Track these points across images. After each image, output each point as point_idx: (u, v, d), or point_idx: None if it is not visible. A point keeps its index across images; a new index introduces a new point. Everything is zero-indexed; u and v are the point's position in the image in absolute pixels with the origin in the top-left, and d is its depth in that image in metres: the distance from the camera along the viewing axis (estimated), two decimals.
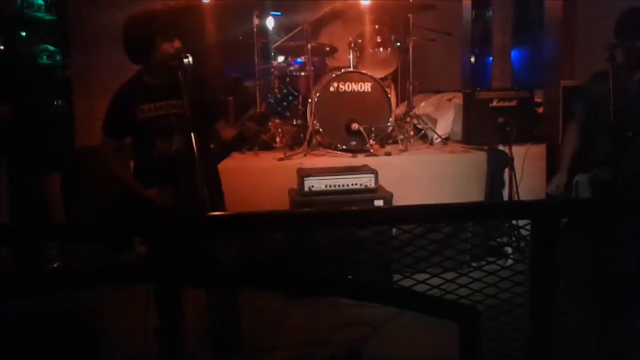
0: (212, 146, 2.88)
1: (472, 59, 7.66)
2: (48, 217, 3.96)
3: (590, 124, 3.30)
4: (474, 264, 1.83)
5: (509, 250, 3.98)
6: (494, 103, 4.75)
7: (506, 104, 4.74)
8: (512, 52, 6.88)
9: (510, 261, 3.38)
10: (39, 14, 4.78)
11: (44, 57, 4.79)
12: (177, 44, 2.62)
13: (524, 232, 3.64)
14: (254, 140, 2.72)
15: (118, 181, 2.78)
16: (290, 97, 2.71)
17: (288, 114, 4.78)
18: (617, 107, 2.84)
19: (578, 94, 3.41)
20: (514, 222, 3.22)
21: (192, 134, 2.46)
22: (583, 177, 3.18)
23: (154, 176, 2.71)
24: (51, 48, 4.83)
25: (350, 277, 1.51)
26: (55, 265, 2.23)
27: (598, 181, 3.07)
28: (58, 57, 4.84)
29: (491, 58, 6.93)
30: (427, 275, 1.64)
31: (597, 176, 3.08)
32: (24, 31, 4.76)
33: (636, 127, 2.94)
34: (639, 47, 2.99)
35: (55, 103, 4.82)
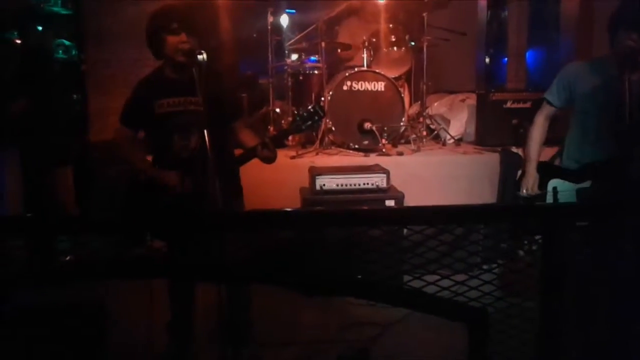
0: (232, 149, 2.90)
1: (487, 60, 7.60)
2: (60, 210, 4.00)
3: (575, 121, 3.02)
4: (484, 266, 1.82)
5: (521, 253, 3.95)
6: (508, 104, 4.72)
7: (520, 105, 4.72)
8: (527, 53, 6.83)
9: (521, 264, 3.36)
10: (55, 9, 4.82)
11: (60, 51, 4.83)
12: (183, 37, 2.63)
13: (535, 236, 3.61)
14: (264, 162, 2.76)
15: (133, 166, 2.81)
16: (316, 117, 2.73)
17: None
18: (631, 108, 2.66)
19: (556, 80, 3.05)
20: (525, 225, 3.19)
21: (205, 131, 2.47)
22: (565, 185, 2.94)
23: (172, 170, 2.73)
24: (67, 42, 4.86)
25: (360, 276, 1.51)
26: (68, 258, 2.25)
27: (591, 193, 2.84)
28: (74, 52, 4.88)
29: (506, 59, 6.89)
30: (437, 277, 1.64)
31: (589, 190, 2.86)
32: (40, 25, 4.80)
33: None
34: (634, 38, 2.68)
35: (71, 97, 4.86)
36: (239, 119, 2.93)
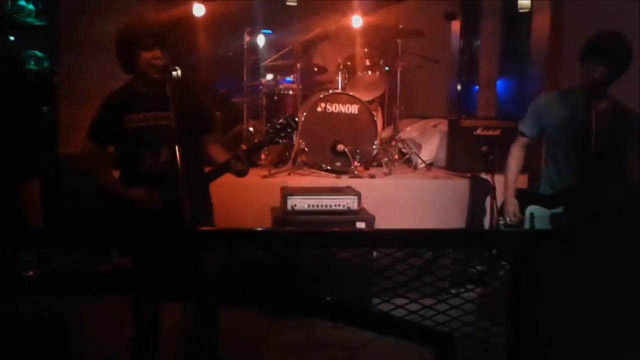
0: (202, 165, 2.88)
1: (459, 87, 7.76)
2: (24, 223, 3.89)
3: (548, 149, 3.16)
4: (452, 291, 1.83)
5: (488, 278, 3.99)
6: (479, 131, 4.81)
7: (490, 132, 4.80)
8: (497, 82, 6.98)
9: (488, 290, 3.39)
10: (29, 19, 4.75)
11: (32, 62, 4.76)
12: (157, 53, 2.61)
13: (503, 262, 3.66)
14: (237, 176, 2.75)
15: (100, 182, 2.76)
16: (289, 129, 2.73)
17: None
18: (596, 137, 2.73)
19: (529, 110, 3.18)
20: (493, 250, 3.23)
21: (176, 147, 2.45)
22: (540, 211, 3.03)
23: (141, 186, 2.69)
24: (39, 54, 4.79)
25: (328, 298, 1.50)
26: (30, 273, 2.19)
27: (565, 220, 2.92)
28: (46, 63, 4.80)
29: (477, 87, 7.03)
30: (406, 300, 1.64)
31: (561, 215, 2.93)
32: (12, 36, 4.73)
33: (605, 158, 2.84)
34: (607, 72, 2.80)
35: (41, 109, 4.77)
36: (210, 135, 2.92)
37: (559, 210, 2.98)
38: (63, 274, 1.56)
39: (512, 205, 3.16)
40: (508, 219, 3.17)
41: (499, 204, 3.41)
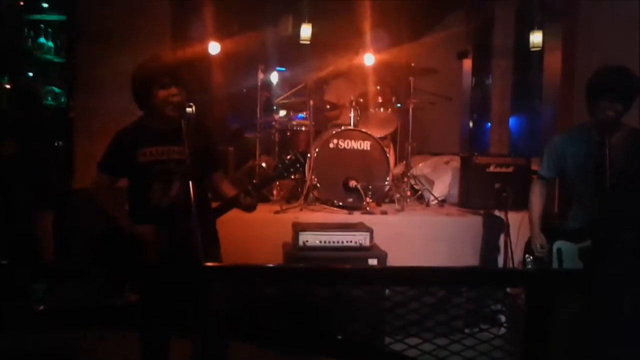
0: (210, 200, 2.89)
1: (471, 124, 7.80)
2: (38, 256, 3.91)
3: (569, 187, 3.21)
4: (467, 331, 1.79)
5: (503, 318, 3.92)
6: (491, 168, 4.79)
7: (503, 169, 4.78)
8: (510, 119, 7.00)
9: (503, 330, 3.32)
10: (48, 56, 4.88)
11: (49, 98, 4.86)
12: (173, 91, 2.65)
13: (518, 301, 3.59)
14: (245, 211, 2.76)
15: (109, 214, 2.77)
16: (298, 165, 2.75)
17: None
18: (612, 171, 2.78)
19: (545, 153, 3.28)
20: (508, 289, 3.18)
21: (190, 182, 2.46)
22: (567, 245, 3.07)
23: (150, 220, 2.70)
24: (57, 90, 4.90)
25: (340, 336, 1.48)
26: (41, 307, 2.18)
27: (589, 252, 2.96)
28: (63, 99, 4.90)
29: (489, 124, 7.05)
30: (419, 340, 1.61)
31: (589, 248, 2.96)
32: (31, 72, 4.85)
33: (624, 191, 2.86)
34: (622, 109, 2.87)
35: (57, 143, 4.85)
36: (219, 170, 2.94)
37: (586, 243, 2.97)
38: (73, 308, 1.55)
39: (540, 238, 3.19)
40: (536, 251, 3.20)
41: (524, 241, 3.43)
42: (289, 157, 2.78)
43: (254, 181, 2.83)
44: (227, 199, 2.80)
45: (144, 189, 2.73)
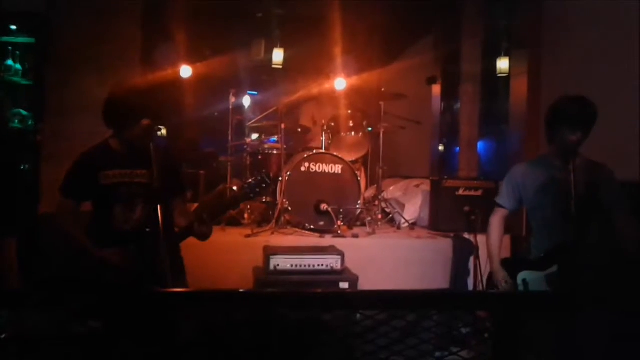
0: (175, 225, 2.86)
1: (441, 148, 7.91)
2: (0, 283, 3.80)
3: (530, 215, 3.21)
4: (437, 354, 1.79)
5: (473, 341, 3.93)
6: (461, 192, 4.85)
7: (472, 193, 4.84)
8: (478, 143, 7.12)
9: (472, 353, 3.33)
10: (15, 79, 4.81)
11: (16, 121, 4.78)
12: (146, 121, 2.63)
13: (487, 324, 3.61)
14: (199, 239, 2.74)
15: (72, 239, 2.71)
16: (264, 185, 2.74)
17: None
18: (577, 194, 2.82)
19: (505, 184, 3.28)
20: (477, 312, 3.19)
21: (158, 206, 2.43)
22: (533, 275, 3.03)
23: (112, 244, 2.65)
24: (24, 112, 4.82)
25: None
26: (3, 336, 2.11)
27: (557, 277, 2.93)
28: (30, 122, 4.83)
29: (458, 148, 7.16)
30: None
31: (556, 274, 2.94)
32: None
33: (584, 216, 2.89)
34: (582, 136, 2.93)
35: (22, 167, 4.75)
36: (179, 198, 2.91)
37: (553, 269, 2.98)
38: (35, 336, 1.51)
39: (501, 274, 3.14)
40: (499, 286, 3.12)
41: (485, 274, 3.37)
42: (253, 178, 2.78)
43: (208, 208, 2.80)
44: (182, 228, 2.78)
45: (106, 212, 2.68)
